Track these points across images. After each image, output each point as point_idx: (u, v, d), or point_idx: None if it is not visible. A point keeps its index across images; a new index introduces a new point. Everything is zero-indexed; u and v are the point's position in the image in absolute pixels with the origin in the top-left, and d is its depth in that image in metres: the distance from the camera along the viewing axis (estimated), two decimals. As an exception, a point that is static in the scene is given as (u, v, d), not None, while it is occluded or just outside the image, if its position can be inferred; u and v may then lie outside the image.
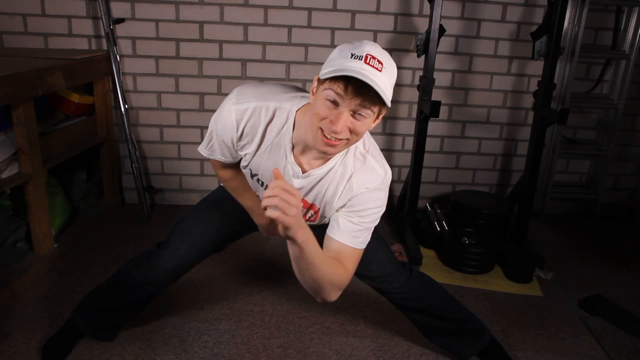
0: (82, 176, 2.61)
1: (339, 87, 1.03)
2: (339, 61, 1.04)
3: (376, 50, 1.05)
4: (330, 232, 1.26)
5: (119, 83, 2.55)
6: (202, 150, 1.36)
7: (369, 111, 1.06)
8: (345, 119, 1.05)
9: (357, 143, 1.22)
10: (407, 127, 2.82)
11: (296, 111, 1.21)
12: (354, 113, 1.06)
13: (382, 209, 1.27)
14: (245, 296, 2.04)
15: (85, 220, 2.50)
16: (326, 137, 1.08)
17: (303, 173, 1.25)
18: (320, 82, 1.09)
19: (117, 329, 1.72)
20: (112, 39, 2.50)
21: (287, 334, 1.83)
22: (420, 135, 2.37)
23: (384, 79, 1.04)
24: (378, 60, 1.03)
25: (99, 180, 2.71)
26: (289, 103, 1.21)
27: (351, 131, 1.08)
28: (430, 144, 2.76)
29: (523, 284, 2.24)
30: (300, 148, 1.23)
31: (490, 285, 2.23)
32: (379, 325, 1.88)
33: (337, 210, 1.29)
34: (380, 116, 1.12)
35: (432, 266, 2.35)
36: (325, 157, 1.21)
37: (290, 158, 1.24)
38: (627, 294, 2.19)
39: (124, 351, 1.68)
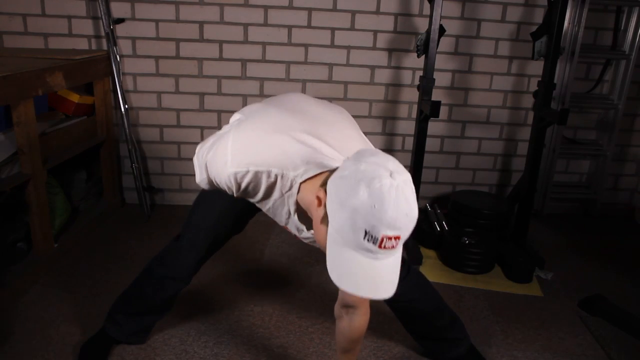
0: (82, 176, 2.61)
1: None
2: (350, 245, 0.90)
3: (398, 222, 0.88)
4: None
5: (119, 83, 2.55)
6: (203, 185, 1.27)
7: None
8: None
9: None
10: (407, 127, 2.82)
11: (301, 183, 1.08)
12: None
13: None
14: (245, 296, 2.04)
15: (85, 220, 2.50)
16: None
17: (308, 230, 1.18)
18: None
19: (149, 331, 1.73)
20: (112, 39, 2.50)
21: (287, 334, 1.83)
22: (420, 135, 2.37)
23: (398, 256, 0.94)
24: (395, 237, 0.89)
25: (99, 180, 2.71)
26: (292, 172, 1.07)
27: None
28: (430, 144, 2.76)
29: (523, 284, 2.24)
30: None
31: (490, 285, 2.23)
32: (379, 325, 1.88)
33: None
34: None
35: (432, 266, 2.35)
36: None
37: (294, 217, 1.16)
38: (627, 294, 2.19)
39: (124, 351, 1.68)
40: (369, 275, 0.91)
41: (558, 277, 2.31)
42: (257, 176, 1.09)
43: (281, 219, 1.21)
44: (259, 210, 1.54)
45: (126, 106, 2.59)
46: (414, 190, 0.92)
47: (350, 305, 1.32)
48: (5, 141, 1.99)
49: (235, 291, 2.07)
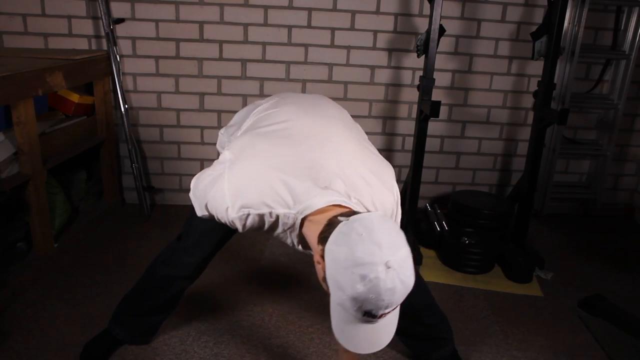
0: (82, 176, 2.61)
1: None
2: (352, 319, 0.95)
3: (394, 302, 0.92)
4: None
5: (119, 83, 2.55)
6: (205, 218, 1.24)
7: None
8: None
9: None
10: (407, 127, 2.82)
11: (302, 219, 1.08)
12: None
13: None
14: (245, 296, 2.04)
15: (85, 220, 2.50)
16: None
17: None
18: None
19: (155, 331, 1.73)
20: (112, 39, 2.50)
21: (287, 334, 1.83)
22: (420, 135, 2.37)
23: (396, 310, 0.98)
24: (392, 310, 0.95)
25: (99, 180, 2.71)
26: (293, 210, 1.08)
27: None
28: (430, 144, 2.76)
29: (523, 284, 2.24)
30: None
31: (490, 285, 2.23)
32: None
33: None
34: None
35: (432, 266, 2.35)
36: None
37: (299, 247, 1.19)
38: (627, 294, 2.19)
39: (124, 351, 1.68)
40: (370, 336, 0.98)
41: (558, 277, 2.31)
42: (258, 216, 1.10)
43: (286, 243, 1.23)
44: None
45: (126, 106, 2.59)
46: (411, 264, 0.94)
47: None
48: (5, 141, 1.99)
49: (235, 291, 2.08)
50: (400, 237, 0.95)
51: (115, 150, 2.74)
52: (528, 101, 2.82)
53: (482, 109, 2.84)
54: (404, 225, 2.52)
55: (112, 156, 2.69)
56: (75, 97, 2.44)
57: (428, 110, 2.18)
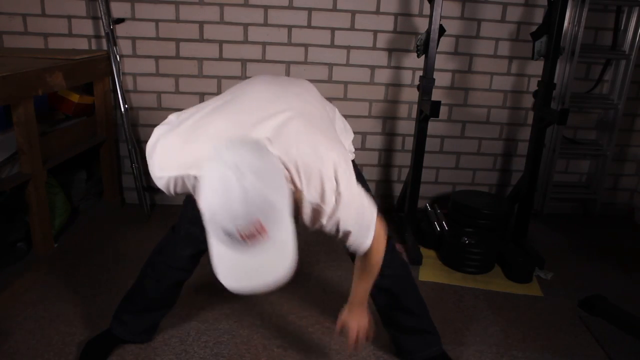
0: (82, 176, 2.61)
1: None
2: (219, 243, 0.96)
3: (248, 215, 0.90)
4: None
5: (119, 83, 2.55)
6: None
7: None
8: None
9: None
10: (407, 127, 2.82)
11: None
12: None
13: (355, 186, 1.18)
14: (245, 296, 2.04)
15: (85, 220, 2.50)
16: None
17: None
18: None
19: (155, 329, 1.74)
20: (112, 39, 2.50)
21: (287, 334, 1.83)
22: (420, 135, 2.37)
23: (276, 252, 0.96)
24: (257, 228, 0.91)
25: (99, 180, 2.71)
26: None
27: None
28: (430, 144, 2.75)
29: (523, 284, 2.24)
30: None
31: (490, 285, 2.23)
32: (379, 325, 1.88)
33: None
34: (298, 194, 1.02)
35: (432, 266, 2.35)
36: None
37: None
38: (627, 294, 2.19)
39: (124, 351, 1.68)
40: (247, 269, 0.95)
41: (558, 277, 2.31)
42: (178, 180, 1.13)
43: None
44: None
45: (126, 106, 2.59)
46: (261, 175, 0.92)
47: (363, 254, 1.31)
48: (5, 141, 1.99)
49: (235, 291, 2.07)
50: (259, 153, 0.96)
51: (115, 150, 2.75)
52: (528, 101, 2.82)
53: (482, 109, 2.84)
54: (403, 225, 2.53)
55: (112, 156, 2.69)
56: (75, 97, 2.44)
57: (428, 110, 2.19)
